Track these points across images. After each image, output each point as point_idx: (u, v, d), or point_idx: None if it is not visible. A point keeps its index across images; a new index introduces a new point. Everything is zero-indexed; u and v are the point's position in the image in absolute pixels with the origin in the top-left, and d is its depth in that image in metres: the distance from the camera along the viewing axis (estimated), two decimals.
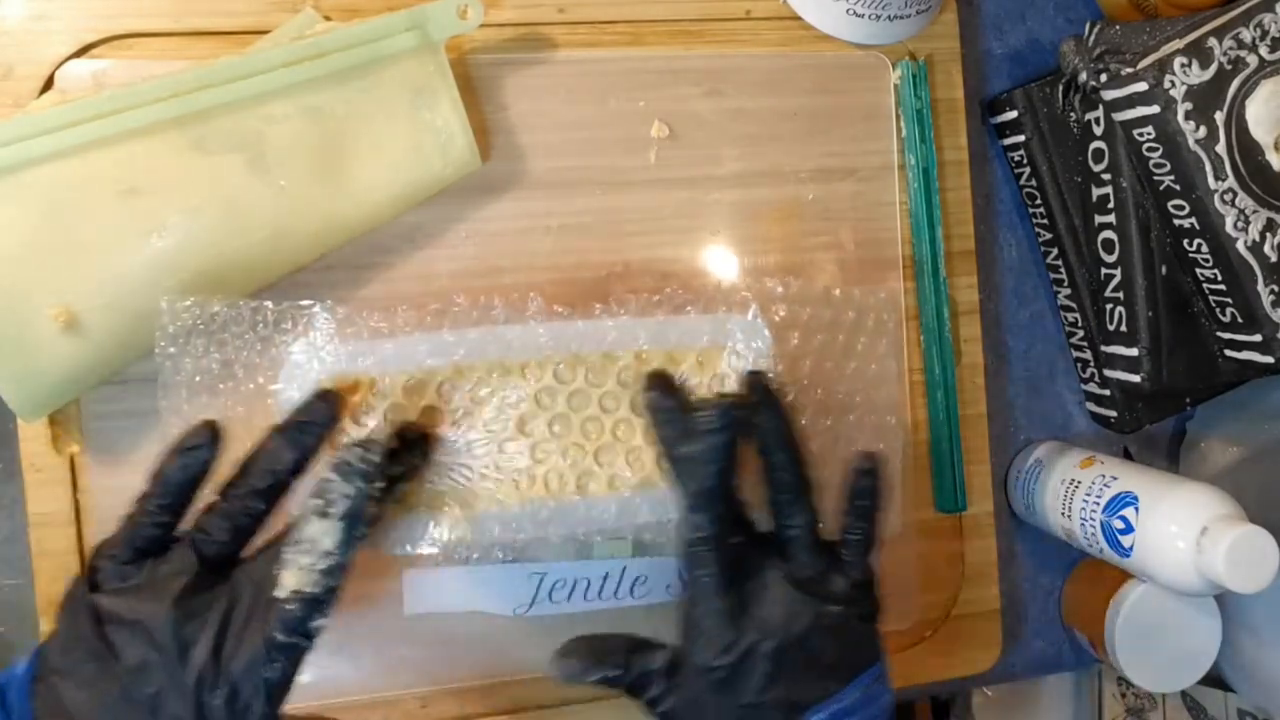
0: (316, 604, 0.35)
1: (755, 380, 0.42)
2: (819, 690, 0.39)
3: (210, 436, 0.37)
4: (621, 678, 0.39)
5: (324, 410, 0.38)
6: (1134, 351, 0.54)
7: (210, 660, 0.34)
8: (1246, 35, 0.49)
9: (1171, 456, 0.63)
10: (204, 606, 0.35)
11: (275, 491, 0.37)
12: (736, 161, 0.53)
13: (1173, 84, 0.48)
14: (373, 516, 0.39)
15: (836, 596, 0.40)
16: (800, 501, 0.40)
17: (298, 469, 0.37)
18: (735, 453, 0.39)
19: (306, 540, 0.35)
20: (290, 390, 0.41)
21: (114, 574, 0.36)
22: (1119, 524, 0.51)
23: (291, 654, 0.34)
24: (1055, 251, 0.59)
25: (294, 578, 0.34)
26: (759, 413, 0.41)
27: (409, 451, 0.41)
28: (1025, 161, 0.58)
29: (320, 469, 0.37)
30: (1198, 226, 0.50)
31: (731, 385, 0.46)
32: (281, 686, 0.35)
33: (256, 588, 0.35)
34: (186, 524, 0.37)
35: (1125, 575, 0.55)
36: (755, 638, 0.38)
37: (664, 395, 0.41)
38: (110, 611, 0.35)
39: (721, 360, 0.46)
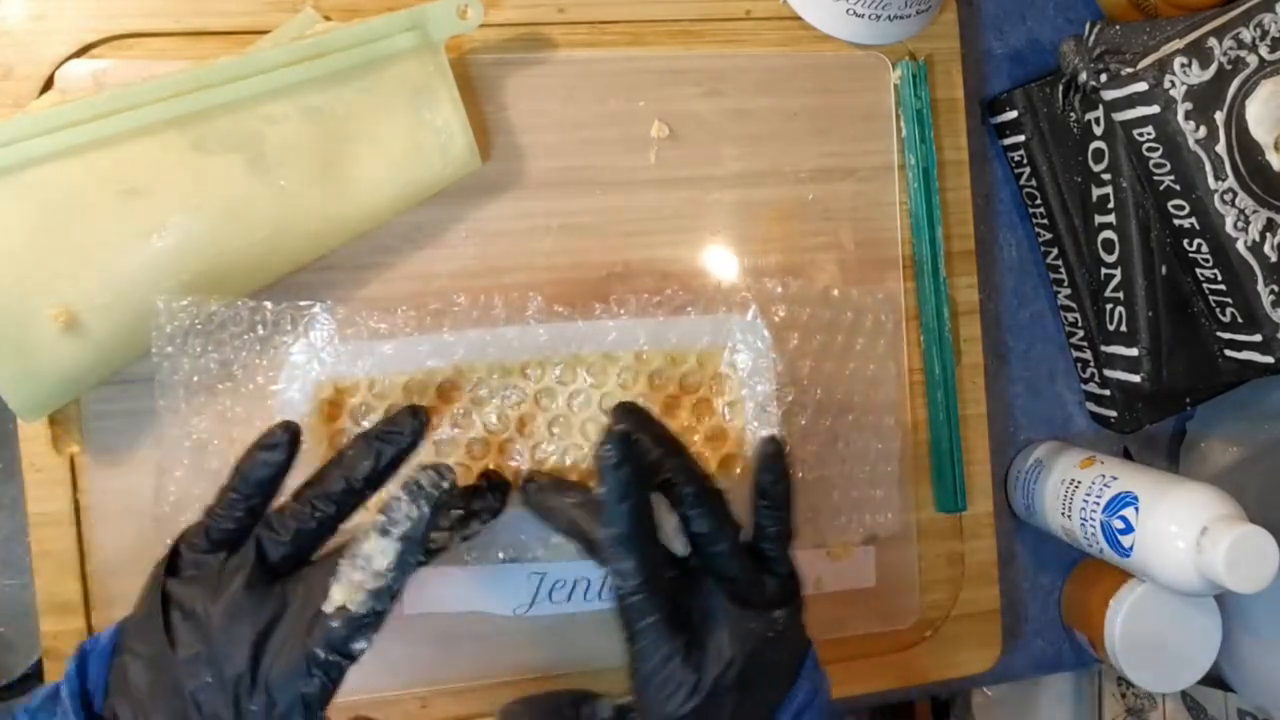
0: (362, 624, 0.34)
1: (625, 409, 0.39)
2: (777, 694, 0.38)
3: (288, 437, 0.37)
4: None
5: (412, 424, 0.38)
6: (1134, 351, 0.54)
7: (249, 666, 0.34)
8: (1246, 35, 0.49)
9: (1171, 456, 0.63)
10: (255, 608, 0.35)
11: (348, 499, 0.37)
12: (736, 161, 0.53)
13: (1173, 84, 0.48)
14: (437, 547, 0.40)
15: (773, 600, 0.39)
16: (718, 519, 0.39)
17: (375, 479, 0.37)
18: (646, 484, 0.37)
19: (362, 557, 0.34)
20: (290, 391, 0.41)
21: (190, 562, 0.36)
22: (1119, 524, 0.51)
23: (331, 670, 0.34)
24: (1055, 251, 0.59)
25: (343, 594, 0.34)
26: (644, 435, 0.38)
27: (491, 493, 0.42)
28: (1025, 161, 0.58)
29: (393, 487, 0.36)
30: (1198, 226, 0.50)
31: (732, 385, 0.46)
32: (320, 700, 0.34)
33: (308, 596, 0.35)
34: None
35: (1125, 575, 0.55)
36: (717, 671, 0.37)
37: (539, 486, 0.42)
38: (177, 598, 0.35)
39: (721, 360, 0.46)
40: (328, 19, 0.47)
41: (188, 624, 0.34)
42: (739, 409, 0.46)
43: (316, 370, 0.42)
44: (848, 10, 0.52)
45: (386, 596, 0.35)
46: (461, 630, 0.49)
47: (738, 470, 0.46)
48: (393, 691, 0.49)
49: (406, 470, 0.38)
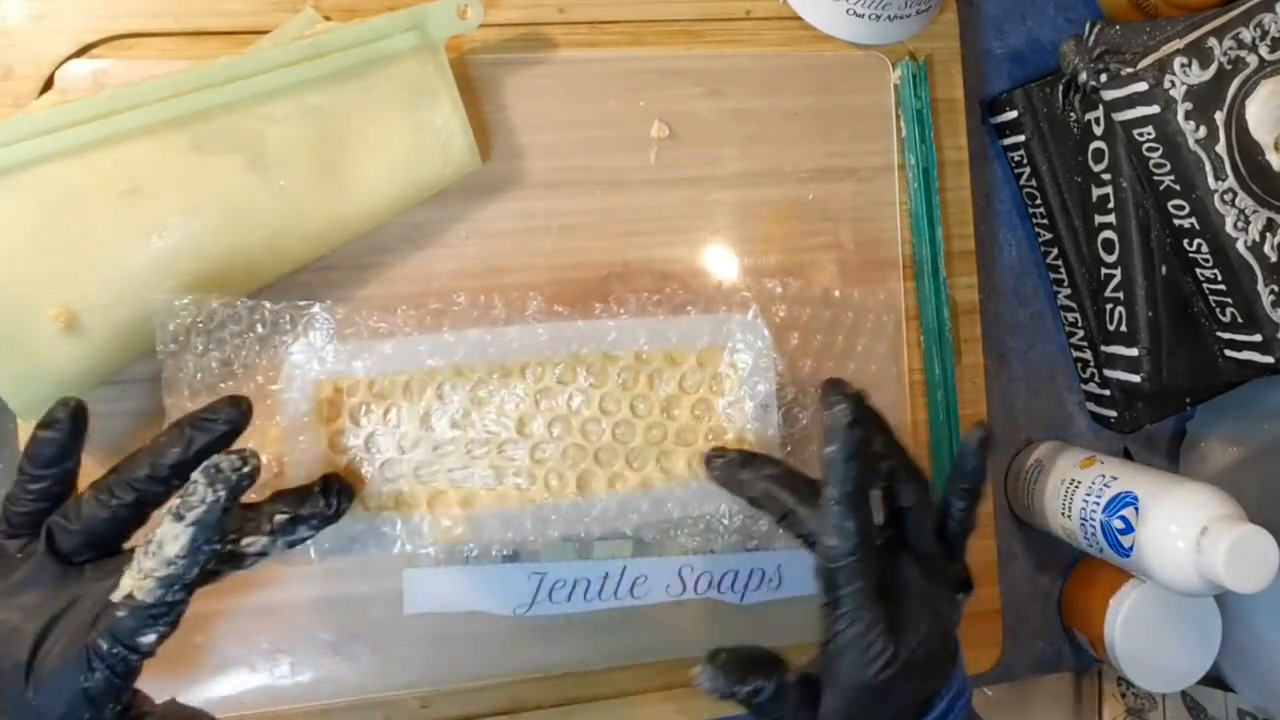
0: (150, 614, 0.32)
1: (839, 383, 0.39)
2: (941, 679, 0.39)
3: (68, 413, 0.35)
4: (764, 690, 0.37)
5: (230, 413, 0.36)
6: (1134, 351, 0.54)
7: (28, 657, 0.32)
8: (1246, 35, 0.49)
9: (1171, 456, 0.63)
10: (43, 597, 0.33)
11: (151, 487, 0.35)
12: (736, 161, 0.53)
13: (1173, 84, 0.48)
14: (257, 550, 0.37)
15: (957, 583, 0.40)
16: (923, 493, 0.40)
17: (183, 469, 0.35)
18: (870, 448, 0.38)
19: (155, 543, 0.32)
20: (290, 390, 0.41)
21: None
22: (1119, 524, 0.51)
23: (116, 664, 0.32)
24: (1055, 251, 0.59)
25: (130, 581, 0.32)
26: (870, 426, 0.39)
27: (325, 497, 0.39)
28: (1025, 161, 0.58)
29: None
30: (1198, 226, 0.50)
31: (732, 385, 0.46)
32: (106, 694, 0.32)
33: (99, 588, 0.33)
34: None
35: (1125, 575, 0.55)
36: (911, 645, 0.37)
37: (723, 456, 0.42)
38: None
39: (721, 360, 0.46)
40: (328, 19, 0.47)
41: None
42: (739, 409, 0.46)
43: (316, 370, 0.42)
44: (848, 10, 0.52)
45: (178, 586, 0.32)
46: (461, 630, 0.49)
47: None
48: (393, 691, 0.49)
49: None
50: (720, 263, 0.52)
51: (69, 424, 0.35)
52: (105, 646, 0.32)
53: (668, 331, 0.45)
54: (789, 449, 0.49)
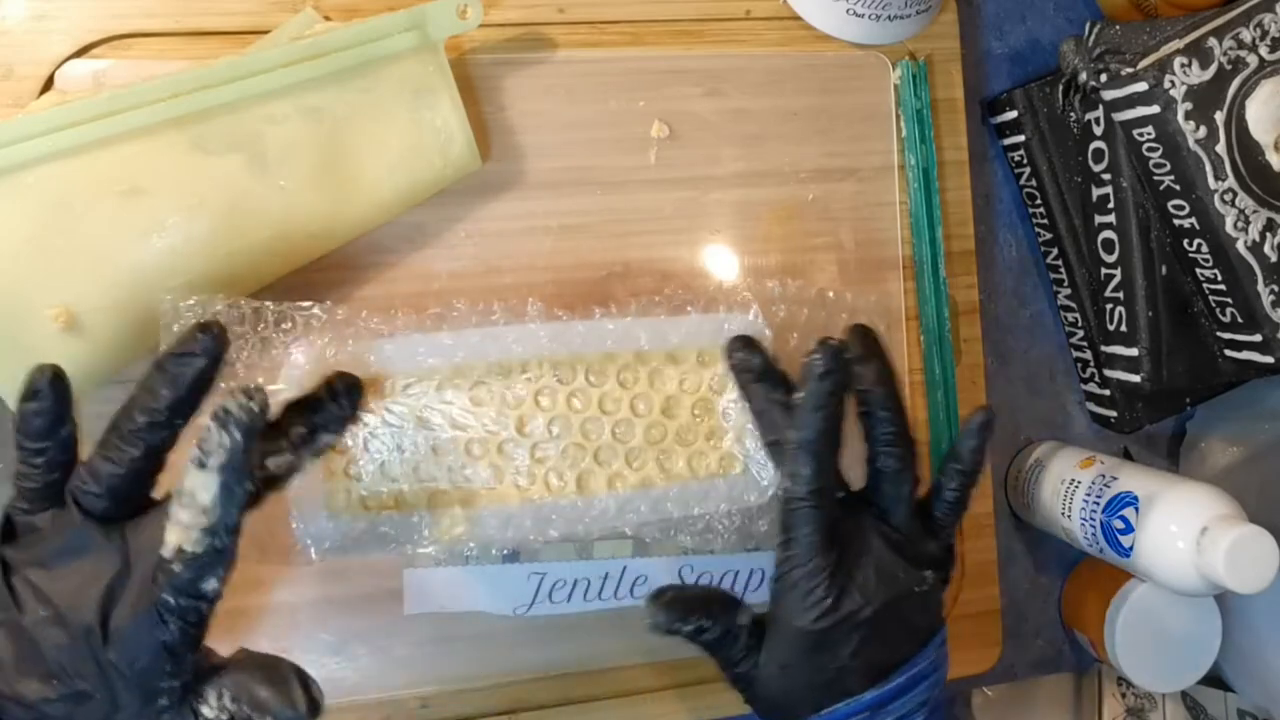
0: (204, 563, 0.32)
1: (862, 332, 0.41)
2: (901, 653, 0.39)
3: (47, 380, 0.34)
4: (708, 630, 0.39)
5: (203, 341, 0.35)
6: (1134, 351, 0.54)
7: (98, 620, 0.32)
8: (1246, 35, 0.49)
9: (1171, 456, 0.63)
10: (94, 561, 0.33)
11: (155, 433, 0.34)
12: (736, 161, 0.53)
13: (1173, 84, 0.48)
14: (285, 468, 0.37)
15: (929, 561, 0.40)
16: (905, 462, 0.40)
17: (182, 406, 0.34)
18: (843, 402, 0.39)
19: (186, 494, 0.32)
20: (290, 390, 0.41)
21: (22, 525, 0.35)
22: (1119, 524, 0.51)
23: (188, 614, 0.33)
24: (1055, 251, 0.59)
25: (176, 535, 0.32)
26: (864, 364, 0.40)
27: (335, 402, 0.39)
28: (1025, 161, 0.58)
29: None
30: (1198, 226, 0.50)
31: (732, 385, 0.46)
32: (183, 644, 0.33)
33: (147, 545, 0.33)
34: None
35: (1125, 575, 0.55)
36: (856, 603, 0.38)
37: (751, 352, 0.41)
38: (15, 563, 0.34)
39: (722, 360, 0.46)
40: (328, 19, 0.47)
41: (29, 587, 0.33)
42: (739, 409, 0.46)
43: (316, 370, 0.42)
44: (848, 10, 0.52)
45: (222, 531, 0.32)
46: (461, 630, 0.49)
47: (737, 469, 0.46)
48: (393, 691, 0.49)
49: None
50: (720, 263, 0.52)
51: (51, 391, 0.34)
52: (173, 600, 0.32)
53: (668, 332, 0.45)
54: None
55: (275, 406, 0.39)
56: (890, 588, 0.39)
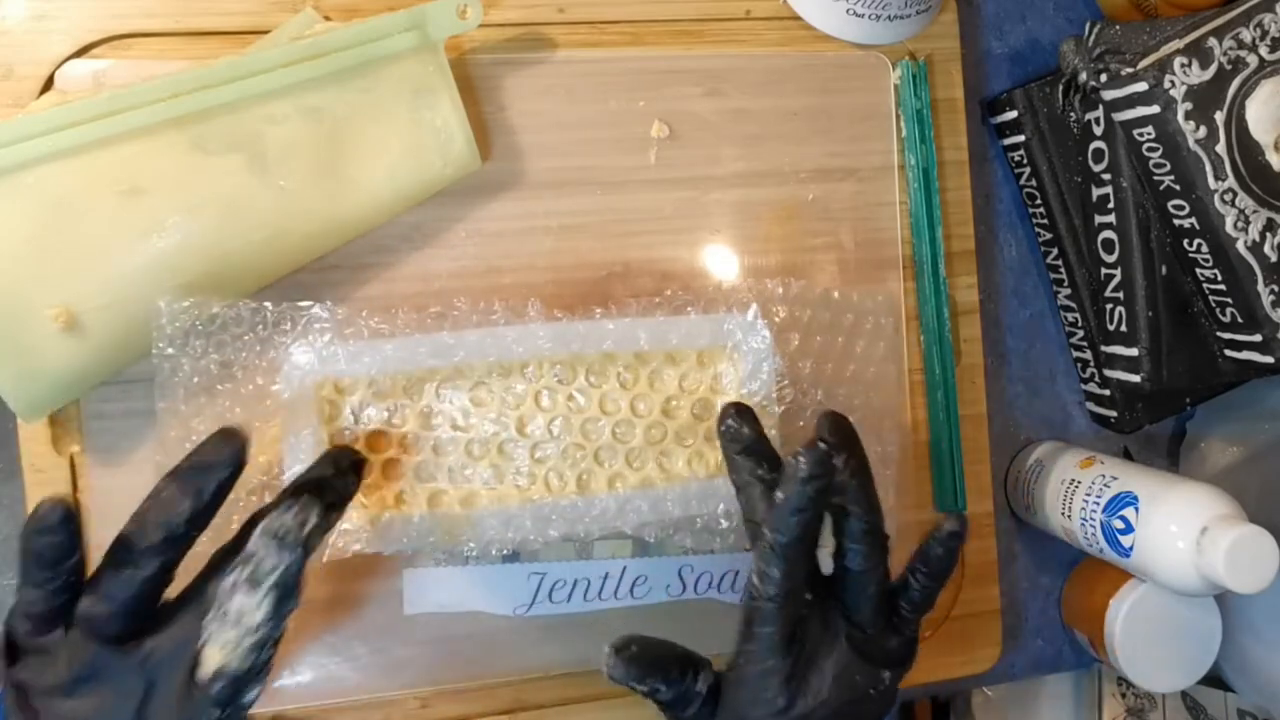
0: (247, 679, 0.32)
1: (835, 420, 0.40)
2: None
3: (59, 517, 0.33)
4: (663, 693, 0.38)
5: (227, 450, 0.34)
6: (1134, 351, 0.54)
7: None
8: (1246, 35, 0.49)
9: (1171, 456, 0.63)
10: (119, 681, 0.32)
11: (172, 547, 0.33)
12: (736, 161, 0.53)
13: (1173, 84, 0.48)
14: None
15: (889, 658, 0.39)
16: (873, 560, 0.39)
17: (199, 519, 0.33)
18: (824, 506, 0.37)
19: (233, 614, 0.31)
20: (290, 391, 0.41)
21: (30, 646, 0.33)
22: (1119, 524, 0.51)
23: None
24: (1055, 251, 0.59)
25: (219, 655, 0.31)
26: (837, 455, 0.39)
27: (342, 478, 0.38)
28: (1025, 161, 0.58)
29: (256, 534, 0.33)
30: (1198, 226, 0.50)
31: (732, 385, 0.46)
32: None
33: (175, 664, 0.32)
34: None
35: (1125, 575, 0.55)
36: (808, 707, 0.37)
37: (742, 422, 0.40)
38: (29, 685, 0.33)
39: (721, 360, 0.46)
40: (328, 19, 0.47)
41: (52, 712, 0.32)
42: None
43: (316, 370, 0.42)
44: (848, 10, 0.52)
45: (270, 645, 0.32)
46: (461, 630, 0.49)
47: None
48: (393, 691, 0.49)
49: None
50: (720, 263, 0.52)
51: (62, 526, 0.33)
52: (211, 713, 0.31)
53: (668, 332, 0.45)
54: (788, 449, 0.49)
55: (267, 489, 0.39)
56: (846, 691, 0.37)
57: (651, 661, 0.38)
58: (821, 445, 0.37)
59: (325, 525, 0.35)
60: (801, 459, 0.36)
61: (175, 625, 0.33)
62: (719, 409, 0.41)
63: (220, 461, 0.34)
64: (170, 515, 0.33)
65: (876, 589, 0.39)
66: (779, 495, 0.37)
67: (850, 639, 0.38)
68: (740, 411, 0.41)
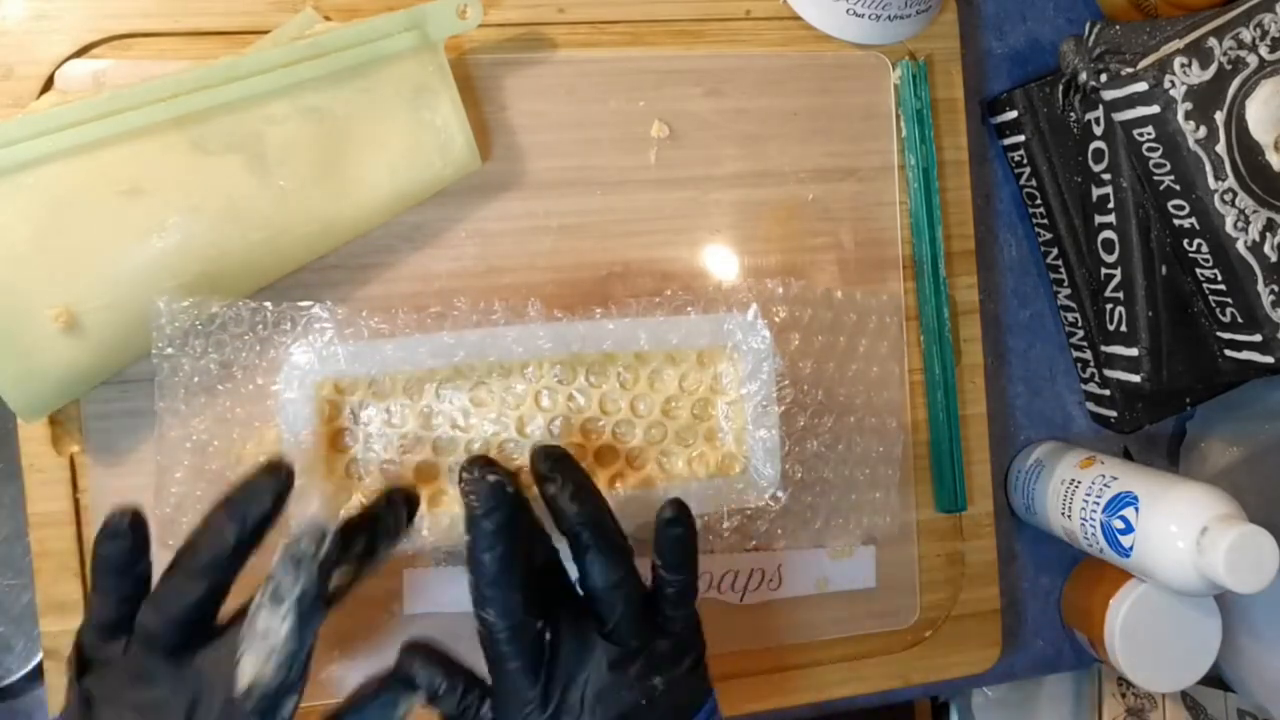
0: (280, 693, 0.33)
1: (543, 450, 0.40)
2: None
3: (127, 524, 0.36)
4: (448, 702, 0.38)
5: (274, 485, 0.36)
6: (1134, 351, 0.54)
7: None
8: (1246, 35, 0.49)
9: (1171, 456, 0.63)
10: (172, 690, 0.34)
11: (221, 572, 0.35)
12: (736, 161, 0.53)
13: (1173, 84, 0.48)
14: (346, 582, 0.38)
15: (662, 661, 0.38)
16: (612, 577, 0.38)
17: (245, 547, 0.35)
18: (520, 530, 0.37)
19: (259, 632, 0.33)
20: (290, 391, 0.41)
21: (96, 658, 0.35)
22: (1119, 524, 0.51)
23: None
24: (1055, 251, 0.59)
25: (251, 670, 0.33)
26: (548, 483, 0.38)
27: (393, 513, 0.39)
28: (1025, 161, 0.58)
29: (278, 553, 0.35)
30: (1198, 226, 0.50)
31: (732, 385, 0.46)
32: None
33: (218, 678, 0.34)
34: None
35: (1125, 575, 0.55)
36: None
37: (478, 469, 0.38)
38: (96, 694, 0.34)
39: (721, 360, 0.46)
40: (328, 19, 0.47)
41: (107, 715, 0.34)
42: (739, 409, 0.46)
43: (316, 370, 0.42)
44: (848, 10, 0.52)
45: (299, 661, 0.34)
46: (461, 630, 0.49)
47: (737, 469, 0.46)
48: None
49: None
50: (720, 263, 0.52)
51: (131, 533, 0.36)
52: None
53: (668, 332, 0.45)
54: (788, 449, 0.49)
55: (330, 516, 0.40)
56: (613, 709, 0.36)
57: (443, 663, 0.38)
58: (490, 478, 0.36)
59: (346, 552, 0.37)
60: (471, 496, 0.36)
61: (222, 641, 0.35)
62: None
63: (263, 492, 0.35)
64: (217, 542, 0.35)
65: (626, 604, 0.38)
66: (466, 539, 0.36)
67: (607, 656, 0.37)
68: (482, 467, 0.38)
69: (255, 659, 0.33)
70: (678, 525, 0.39)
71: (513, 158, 0.50)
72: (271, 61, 0.43)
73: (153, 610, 0.35)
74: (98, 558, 0.36)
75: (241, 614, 0.35)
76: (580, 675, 0.37)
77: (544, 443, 0.41)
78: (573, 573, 0.39)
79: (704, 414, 0.46)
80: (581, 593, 0.39)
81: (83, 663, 0.35)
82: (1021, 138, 0.57)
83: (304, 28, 0.46)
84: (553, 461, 0.39)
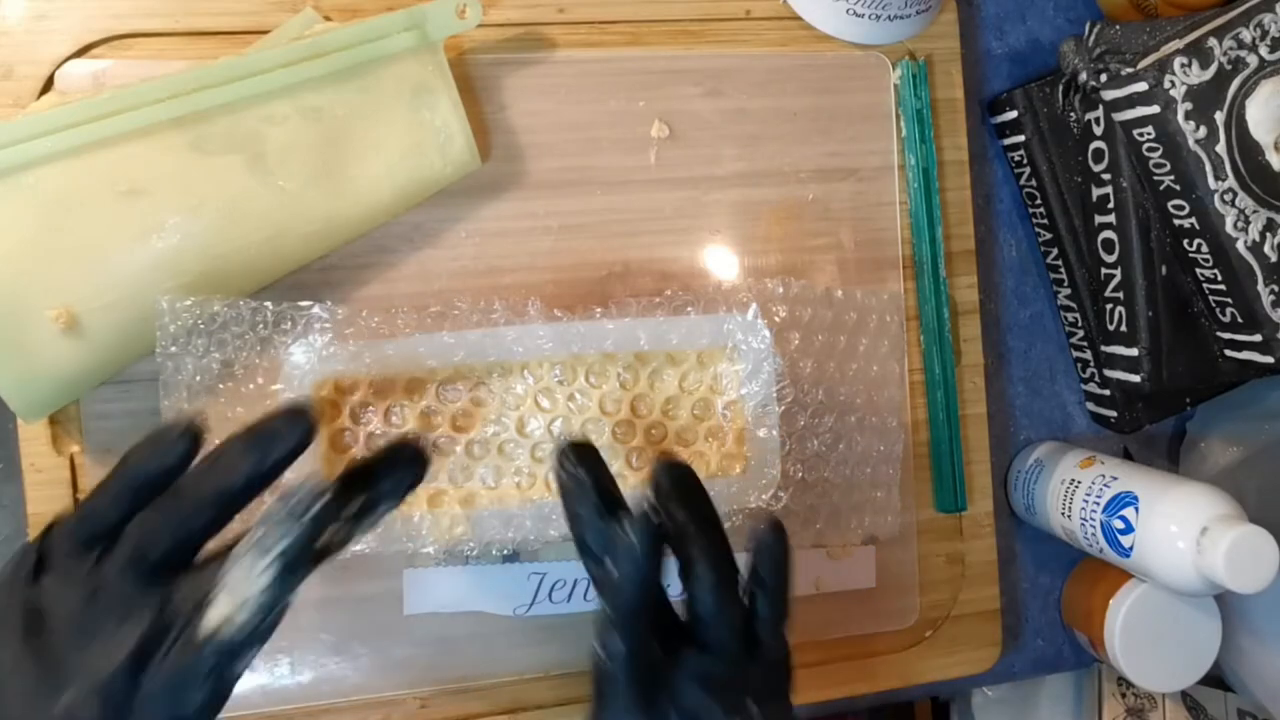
0: (244, 641, 0.32)
1: (671, 472, 0.38)
2: None
3: (188, 438, 0.33)
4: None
5: (299, 430, 0.34)
6: (1134, 351, 0.54)
7: (129, 672, 0.31)
8: (1246, 35, 0.49)
9: (1171, 456, 0.63)
10: (137, 609, 0.32)
11: (225, 505, 0.33)
12: (736, 161, 0.53)
13: (1173, 84, 0.48)
14: (338, 540, 0.36)
15: (758, 692, 0.37)
16: (723, 602, 0.37)
17: (252, 487, 0.34)
18: (660, 565, 0.36)
19: (239, 576, 0.32)
20: (290, 390, 0.41)
21: (60, 564, 0.33)
22: (1119, 524, 0.51)
23: (220, 685, 0.32)
24: (1055, 251, 0.59)
25: (221, 614, 0.31)
26: (671, 502, 0.37)
27: (391, 476, 0.36)
28: (1025, 161, 0.58)
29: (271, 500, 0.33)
30: (1198, 226, 0.50)
31: (732, 385, 0.46)
32: (209, 713, 0.32)
33: (183, 615, 0.32)
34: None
35: (1125, 575, 0.55)
36: None
37: (580, 470, 0.37)
38: (44, 603, 0.33)
39: (721, 360, 0.46)
40: (328, 19, 0.47)
41: (60, 628, 0.32)
42: (739, 409, 0.46)
43: (316, 370, 0.42)
44: (848, 10, 0.52)
45: (269, 612, 0.32)
46: (461, 630, 0.49)
47: (737, 469, 0.46)
48: (393, 691, 0.49)
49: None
50: (720, 263, 0.52)
51: (183, 453, 0.34)
52: (205, 670, 0.31)
53: (668, 332, 0.45)
54: (788, 449, 0.49)
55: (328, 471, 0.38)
56: None
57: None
58: (652, 515, 0.36)
59: (340, 508, 0.34)
60: (625, 535, 0.35)
61: (200, 574, 0.33)
62: (558, 448, 0.38)
63: (287, 435, 0.33)
64: (229, 477, 0.33)
65: (730, 630, 0.37)
66: (610, 568, 0.35)
67: (705, 684, 0.36)
68: (580, 454, 0.38)
69: (229, 602, 0.31)
70: (775, 546, 0.38)
71: (513, 158, 0.50)
72: (271, 61, 0.43)
73: (150, 529, 0.33)
74: (131, 465, 0.33)
75: (220, 556, 0.33)
76: (684, 706, 0.36)
77: (670, 458, 0.39)
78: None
79: (704, 414, 0.46)
80: (681, 612, 0.38)
81: (42, 559, 0.33)
82: (1021, 138, 0.57)
83: (304, 28, 0.46)
84: (678, 486, 0.38)
